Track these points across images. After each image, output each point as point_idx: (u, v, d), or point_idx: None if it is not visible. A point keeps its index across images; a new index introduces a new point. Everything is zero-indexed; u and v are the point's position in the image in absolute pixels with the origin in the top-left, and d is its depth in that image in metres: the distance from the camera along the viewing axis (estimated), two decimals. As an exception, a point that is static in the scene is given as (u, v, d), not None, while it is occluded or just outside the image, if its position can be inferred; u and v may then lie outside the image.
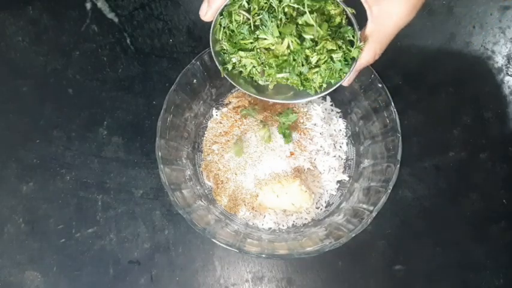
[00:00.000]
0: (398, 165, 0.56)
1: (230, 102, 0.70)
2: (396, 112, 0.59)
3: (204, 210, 0.61)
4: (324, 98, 0.69)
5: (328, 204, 0.66)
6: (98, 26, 0.74)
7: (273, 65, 0.51)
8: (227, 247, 0.54)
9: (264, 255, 0.55)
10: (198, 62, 0.62)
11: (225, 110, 0.68)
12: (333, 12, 0.49)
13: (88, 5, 0.75)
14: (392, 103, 0.59)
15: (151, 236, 0.66)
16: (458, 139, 0.69)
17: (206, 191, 0.66)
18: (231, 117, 0.67)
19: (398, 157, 0.57)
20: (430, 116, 0.70)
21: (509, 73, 0.72)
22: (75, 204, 0.68)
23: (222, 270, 0.65)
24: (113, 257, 0.66)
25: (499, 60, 0.73)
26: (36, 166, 0.69)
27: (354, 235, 0.54)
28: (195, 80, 0.64)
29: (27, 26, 0.74)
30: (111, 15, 0.75)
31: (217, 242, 0.55)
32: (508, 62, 0.73)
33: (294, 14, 0.48)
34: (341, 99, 0.68)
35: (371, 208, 0.56)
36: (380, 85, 0.60)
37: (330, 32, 0.48)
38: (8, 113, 0.72)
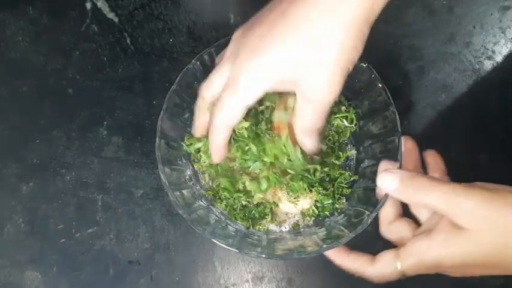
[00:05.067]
0: (399, 165, 0.56)
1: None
2: (396, 112, 0.59)
3: (204, 210, 0.61)
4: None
5: (329, 204, 0.66)
6: (98, 26, 0.74)
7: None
8: (227, 247, 0.54)
9: (264, 256, 0.55)
10: (198, 62, 0.62)
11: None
12: None
13: (88, 5, 0.75)
14: (393, 103, 0.59)
15: (151, 236, 0.66)
16: (458, 139, 0.69)
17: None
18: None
19: (399, 157, 0.57)
20: (430, 116, 0.70)
21: (510, 73, 0.72)
22: (75, 204, 0.68)
23: (222, 270, 0.65)
24: (113, 257, 0.66)
25: (500, 60, 0.73)
26: (36, 166, 0.69)
27: (354, 235, 0.54)
28: (195, 80, 0.63)
29: (27, 26, 0.74)
30: (111, 15, 0.75)
31: (217, 242, 0.54)
32: (509, 62, 0.73)
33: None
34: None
35: (371, 208, 0.56)
36: (380, 85, 0.60)
37: None
38: (8, 113, 0.71)
